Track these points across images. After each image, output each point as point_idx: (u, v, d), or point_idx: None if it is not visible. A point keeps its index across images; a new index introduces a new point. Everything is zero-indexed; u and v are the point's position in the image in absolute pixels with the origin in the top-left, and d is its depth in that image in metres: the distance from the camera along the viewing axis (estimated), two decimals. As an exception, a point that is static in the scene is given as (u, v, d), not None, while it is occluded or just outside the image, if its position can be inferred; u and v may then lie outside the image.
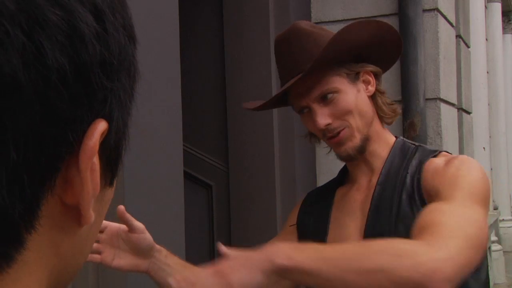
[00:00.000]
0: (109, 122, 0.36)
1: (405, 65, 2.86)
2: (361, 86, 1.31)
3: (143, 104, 1.76)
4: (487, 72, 6.71)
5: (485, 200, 1.19)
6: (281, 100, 1.38)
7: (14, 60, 0.30)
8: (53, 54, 0.31)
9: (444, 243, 1.02)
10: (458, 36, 3.46)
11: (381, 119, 1.35)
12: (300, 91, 1.28)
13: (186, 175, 2.53)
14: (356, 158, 1.30)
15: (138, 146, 1.73)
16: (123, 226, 1.23)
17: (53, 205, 0.34)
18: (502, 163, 7.79)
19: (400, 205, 1.26)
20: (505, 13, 8.79)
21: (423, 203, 1.22)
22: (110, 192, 0.41)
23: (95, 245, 1.23)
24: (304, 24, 1.34)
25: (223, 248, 1.09)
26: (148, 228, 1.86)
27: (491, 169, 6.84)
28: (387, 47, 1.34)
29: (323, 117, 1.26)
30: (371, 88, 1.33)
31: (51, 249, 0.36)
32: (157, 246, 1.27)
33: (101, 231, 1.24)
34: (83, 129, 0.34)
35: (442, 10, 3.00)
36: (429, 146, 1.35)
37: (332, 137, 1.28)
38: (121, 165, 0.41)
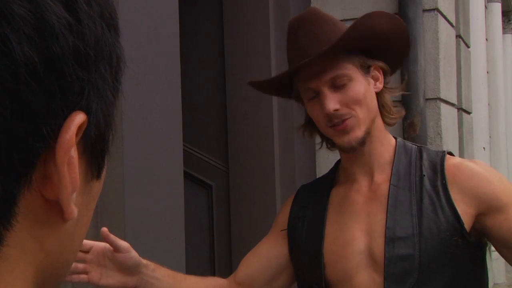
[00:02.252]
0: (88, 114, 0.35)
1: (405, 65, 2.86)
2: (371, 80, 1.30)
3: (144, 104, 1.76)
4: (487, 72, 6.71)
5: None
6: (284, 86, 1.36)
7: None
8: (20, 48, 0.30)
9: None
10: (458, 36, 3.45)
11: (383, 118, 1.33)
12: (312, 73, 1.25)
13: (186, 175, 2.53)
14: (357, 150, 1.28)
15: (138, 146, 1.73)
16: (108, 245, 1.24)
17: (33, 200, 0.34)
18: (502, 163, 7.79)
19: (422, 208, 1.24)
20: (505, 13, 8.79)
21: (452, 207, 1.23)
22: (98, 185, 0.40)
23: (81, 265, 1.24)
24: (321, 10, 1.34)
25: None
26: (148, 228, 1.86)
27: (491, 169, 6.84)
28: (396, 46, 1.33)
29: (332, 102, 1.24)
30: (379, 85, 1.32)
31: (35, 245, 0.35)
32: (144, 261, 1.28)
33: (87, 252, 1.25)
34: (59, 123, 0.33)
35: (442, 10, 3.00)
36: (429, 146, 1.37)
37: (336, 125, 1.26)
38: (108, 157, 0.40)
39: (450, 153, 1.33)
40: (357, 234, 1.27)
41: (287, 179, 2.89)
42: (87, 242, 1.25)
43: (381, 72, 1.32)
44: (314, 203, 1.38)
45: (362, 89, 1.27)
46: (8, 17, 0.30)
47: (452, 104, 3.19)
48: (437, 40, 2.93)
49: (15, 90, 0.31)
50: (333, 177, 1.40)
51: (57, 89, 0.33)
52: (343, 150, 1.30)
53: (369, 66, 1.29)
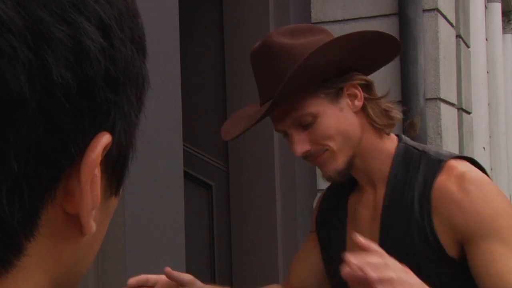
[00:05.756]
0: (112, 134, 0.36)
1: (405, 65, 2.86)
2: (345, 102, 1.18)
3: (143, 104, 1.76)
4: (487, 72, 6.70)
5: None
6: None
7: (20, 76, 0.31)
8: (58, 70, 0.32)
9: None
10: (458, 36, 3.45)
11: (377, 130, 1.22)
12: (276, 116, 1.18)
13: (186, 175, 2.53)
14: (340, 180, 1.21)
15: (138, 146, 1.73)
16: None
17: (54, 214, 0.35)
18: (502, 163, 7.79)
19: (412, 240, 1.16)
20: (505, 13, 8.79)
21: (436, 239, 1.15)
22: (115, 202, 0.42)
23: None
24: (278, 37, 1.17)
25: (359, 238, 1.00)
26: (148, 228, 1.86)
27: (491, 169, 6.84)
28: (379, 52, 1.22)
29: (300, 144, 1.16)
30: (358, 103, 1.19)
31: (52, 256, 0.36)
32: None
33: (152, 286, 1.27)
34: (86, 142, 0.34)
35: (442, 10, 3.00)
36: (433, 152, 1.22)
37: (311, 159, 1.20)
38: (127, 175, 0.42)
39: (458, 157, 1.22)
40: None
41: (287, 179, 2.89)
42: (152, 277, 1.26)
43: (359, 88, 1.18)
44: (335, 208, 1.34)
45: (332, 122, 1.16)
46: (48, 40, 0.31)
47: (452, 104, 3.19)
48: (437, 40, 2.93)
49: (49, 110, 0.32)
50: (352, 181, 1.32)
51: (86, 110, 0.34)
52: (326, 180, 1.26)
53: (340, 89, 1.17)
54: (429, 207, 1.16)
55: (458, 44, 3.46)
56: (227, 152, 2.99)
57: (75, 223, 0.36)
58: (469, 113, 3.75)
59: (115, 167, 0.39)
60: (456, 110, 3.31)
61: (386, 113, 1.21)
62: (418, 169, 1.19)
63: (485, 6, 6.72)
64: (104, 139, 0.35)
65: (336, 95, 1.17)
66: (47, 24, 0.31)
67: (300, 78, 1.10)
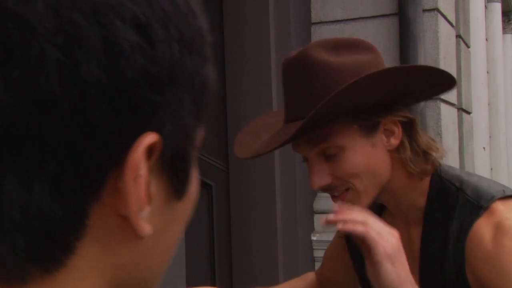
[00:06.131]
0: (161, 135, 0.35)
1: (405, 65, 2.86)
2: (380, 138, 1.04)
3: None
4: (487, 72, 6.71)
5: None
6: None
7: (51, 77, 0.31)
8: (90, 70, 0.32)
9: None
10: (458, 36, 3.45)
11: (411, 173, 1.07)
12: (298, 140, 1.03)
13: (186, 175, 2.53)
14: None
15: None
16: None
17: (104, 215, 0.35)
18: (502, 163, 7.79)
19: (444, 285, 1.07)
20: (505, 13, 8.79)
21: None
22: (181, 207, 0.41)
23: None
24: (318, 51, 1.03)
25: None
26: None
27: (491, 169, 6.84)
28: (430, 88, 1.08)
29: (319, 176, 1.02)
30: (394, 142, 1.04)
31: (107, 258, 0.36)
32: None
33: None
34: (129, 142, 0.34)
35: (442, 10, 3.00)
36: (470, 191, 1.06)
37: (334, 197, 1.06)
38: (194, 180, 0.41)
39: (506, 196, 1.05)
40: None
41: (287, 179, 2.89)
42: None
43: (399, 125, 1.04)
44: None
45: (361, 158, 1.02)
46: (80, 42, 0.32)
47: (452, 104, 3.18)
48: (437, 40, 2.93)
49: (83, 110, 0.32)
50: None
51: (126, 110, 0.34)
52: None
53: (377, 122, 1.03)
54: (463, 260, 1.04)
55: (458, 44, 3.46)
56: (227, 152, 2.99)
57: (130, 225, 0.35)
58: (469, 113, 3.75)
59: (174, 170, 0.38)
60: (456, 110, 3.31)
61: (424, 156, 1.07)
62: (454, 209, 1.06)
63: (485, 6, 6.73)
64: (148, 139, 0.34)
65: (371, 129, 1.03)
66: (78, 25, 0.31)
67: (336, 106, 0.96)
